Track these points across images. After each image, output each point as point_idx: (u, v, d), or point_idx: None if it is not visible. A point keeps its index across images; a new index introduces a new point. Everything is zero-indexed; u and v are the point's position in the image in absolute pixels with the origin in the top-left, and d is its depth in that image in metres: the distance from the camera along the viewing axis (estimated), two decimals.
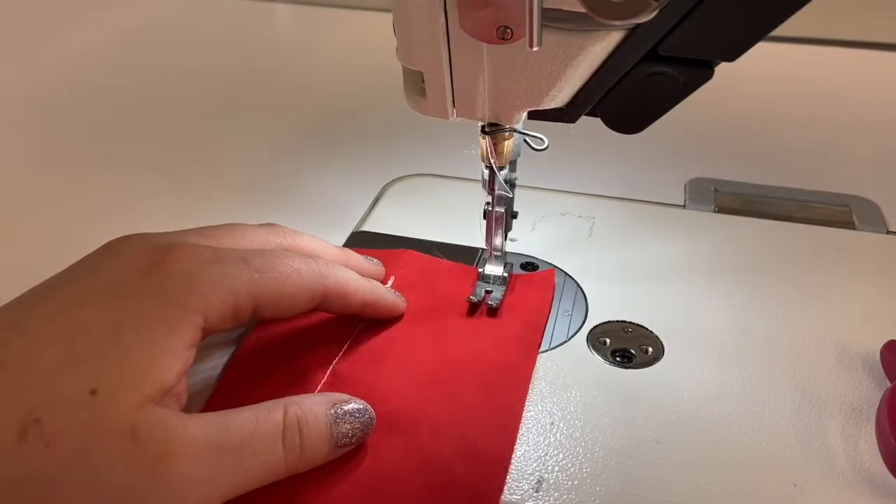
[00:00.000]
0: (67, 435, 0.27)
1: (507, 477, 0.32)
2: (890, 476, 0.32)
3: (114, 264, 0.31)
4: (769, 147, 0.57)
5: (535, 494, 0.32)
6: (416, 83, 0.35)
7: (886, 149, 0.57)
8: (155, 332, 0.29)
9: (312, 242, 0.39)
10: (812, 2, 0.28)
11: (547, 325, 0.40)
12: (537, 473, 0.32)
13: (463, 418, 0.34)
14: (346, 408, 0.32)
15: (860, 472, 0.33)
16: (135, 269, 0.31)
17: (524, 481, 0.32)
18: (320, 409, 0.31)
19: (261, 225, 0.38)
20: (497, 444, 0.33)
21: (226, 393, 0.35)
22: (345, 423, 0.31)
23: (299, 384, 0.35)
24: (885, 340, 0.38)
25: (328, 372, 0.36)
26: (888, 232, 0.47)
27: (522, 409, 0.35)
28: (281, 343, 0.38)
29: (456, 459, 0.32)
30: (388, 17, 0.34)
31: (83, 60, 0.70)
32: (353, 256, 0.40)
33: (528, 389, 0.36)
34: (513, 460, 0.33)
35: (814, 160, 0.55)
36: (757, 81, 0.65)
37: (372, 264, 0.41)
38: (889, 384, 0.36)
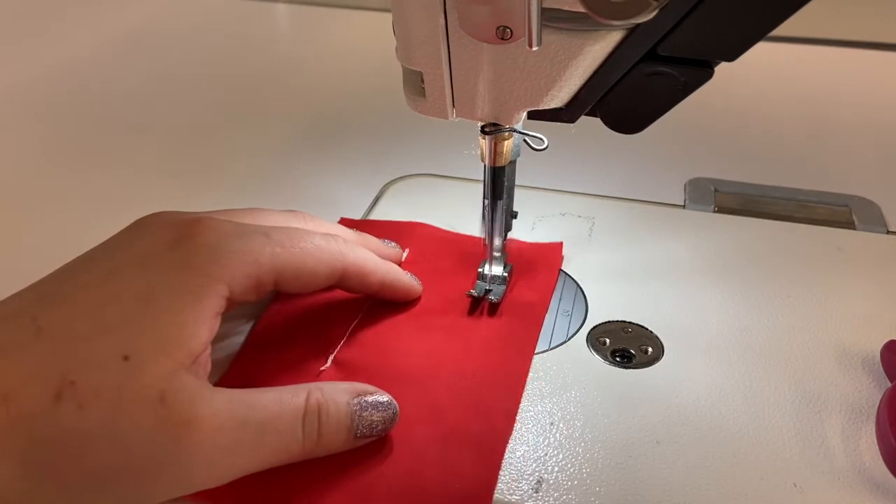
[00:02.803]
0: (100, 398, 0.28)
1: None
2: (890, 476, 0.32)
3: (143, 238, 0.32)
4: (769, 147, 0.57)
5: (535, 495, 0.32)
6: (415, 83, 0.35)
7: (886, 149, 0.57)
8: (183, 301, 0.30)
9: (332, 227, 0.40)
10: (812, 2, 0.28)
11: (551, 305, 0.41)
12: (537, 473, 0.33)
13: (472, 376, 0.36)
14: (369, 399, 0.32)
15: (860, 472, 0.33)
16: (162, 242, 0.32)
17: (524, 481, 0.32)
18: (342, 398, 0.32)
19: (282, 210, 0.39)
20: (504, 398, 0.35)
21: (247, 358, 0.37)
22: (366, 414, 0.32)
23: (319, 346, 0.37)
24: (885, 340, 0.38)
25: (346, 335, 0.38)
26: (888, 232, 0.47)
27: (528, 370, 0.37)
28: (300, 311, 0.39)
29: (464, 410, 0.34)
30: (388, 17, 0.34)
31: (83, 60, 0.70)
32: (371, 240, 0.41)
33: (533, 353, 0.38)
34: (512, 461, 0.33)
35: (814, 160, 0.55)
36: (757, 81, 0.65)
37: (390, 247, 0.42)
38: (889, 384, 0.36)
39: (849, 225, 0.48)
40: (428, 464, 0.32)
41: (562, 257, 0.44)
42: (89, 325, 0.29)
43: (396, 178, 0.53)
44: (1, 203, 0.51)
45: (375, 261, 0.38)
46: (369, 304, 0.40)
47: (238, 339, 0.39)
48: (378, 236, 0.42)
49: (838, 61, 0.70)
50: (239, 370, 0.37)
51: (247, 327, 0.39)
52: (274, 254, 0.33)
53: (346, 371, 0.36)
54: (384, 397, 0.33)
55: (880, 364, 0.37)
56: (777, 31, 0.29)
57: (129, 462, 0.28)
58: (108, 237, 0.34)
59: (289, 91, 0.66)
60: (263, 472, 0.30)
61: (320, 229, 0.38)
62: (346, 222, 0.46)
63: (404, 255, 0.43)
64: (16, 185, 0.53)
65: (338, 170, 0.54)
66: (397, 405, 0.33)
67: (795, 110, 0.62)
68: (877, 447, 0.34)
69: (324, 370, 0.36)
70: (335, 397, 0.32)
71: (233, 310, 0.33)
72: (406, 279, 0.40)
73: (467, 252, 0.43)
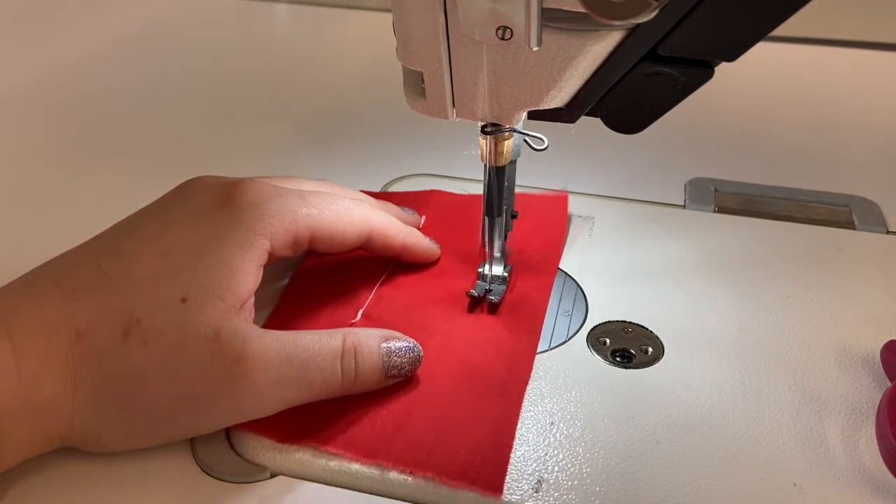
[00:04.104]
0: (163, 336, 0.31)
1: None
2: (890, 476, 0.32)
3: (192, 198, 0.36)
4: (769, 147, 0.57)
5: (535, 494, 0.32)
6: (416, 83, 0.35)
7: (886, 149, 0.57)
8: (231, 253, 0.33)
9: (357, 195, 0.43)
10: (812, 2, 0.28)
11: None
12: (537, 473, 0.33)
13: (491, 327, 0.39)
14: (397, 344, 0.35)
15: (860, 472, 0.33)
16: (210, 201, 0.35)
17: (524, 481, 0.32)
18: (374, 342, 0.35)
19: (311, 179, 0.42)
20: (523, 342, 0.38)
21: (283, 313, 0.40)
22: (395, 356, 0.35)
23: (349, 303, 0.40)
24: (885, 340, 0.38)
25: (372, 293, 0.41)
26: (888, 232, 0.47)
27: (544, 318, 0.40)
28: (328, 273, 0.43)
29: (484, 353, 0.37)
30: (388, 17, 0.34)
31: (83, 61, 0.70)
32: (392, 208, 0.44)
33: (547, 303, 0.41)
34: (512, 460, 0.33)
35: (814, 160, 0.55)
36: (757, 81, 0.65)
37: (409, 214, 0.45)
38: (889, 384, 0.36)
39: (849, 225, 0.48)
40: (454, 400, 0.35)
41: (567, 213, 0.47)
42: (151, 272, 0.32)
43: (396, 178, 0.52)
44: (2, 204, 0.51)
45: (398, 225, 0.41)
46: (392, 265, 0.43)
47: (272, 297, 0.42)
48: (397, 205, 0.45)
49: (838, 61, 0.70)
50: (277, 323, 0.40)
51: (279, 287, 0.42)
52: (309, 214, 0.37)
53: (373, 323, 0.39)
54: (409, 342, 0.36)
55: (880, 364, 0.37)
56: (777, 31, 0.29)
57: (188, 392, 0.31)
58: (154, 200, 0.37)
59: (289, 91, 0.66)
60: (306, 405, 0.34)
61: (347, 196, 0.41)
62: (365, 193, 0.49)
63: (422, 221, 0.46)
64: (17, 185, 0.53)
65: (338, 170, 0.54)
66: (421, 349, 0.36)
67: (795, 110, 0.62)
68: (877, 447, 0.34)
69: (354, 322, 0.39)
70: (368, 341, 0.35)
71: (272, 262, 0.36)
72: (426, 242, 0.43)
73: (481, 213, 0.45)
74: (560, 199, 0.48)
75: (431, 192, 0.49)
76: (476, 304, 0.40)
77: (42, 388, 0.30)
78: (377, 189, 0.51)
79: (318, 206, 0.37)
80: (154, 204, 0.37)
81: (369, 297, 0.41)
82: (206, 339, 0.31)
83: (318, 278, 0.42)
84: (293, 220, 0.36)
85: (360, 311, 0.40)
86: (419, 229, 0.44)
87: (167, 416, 0.32)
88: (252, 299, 0.34)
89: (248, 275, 0.33)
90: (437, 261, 0.43)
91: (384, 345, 0.35)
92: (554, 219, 0.46)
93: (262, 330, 0.33)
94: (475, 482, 0.32)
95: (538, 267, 0.43)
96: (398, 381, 0.36)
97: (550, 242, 0.45)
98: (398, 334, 0.36)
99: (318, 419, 0.34)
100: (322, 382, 0.33)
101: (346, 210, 0.38)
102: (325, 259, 0.43)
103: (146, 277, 0.32)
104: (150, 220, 0.35)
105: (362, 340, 0.35)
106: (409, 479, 0.32)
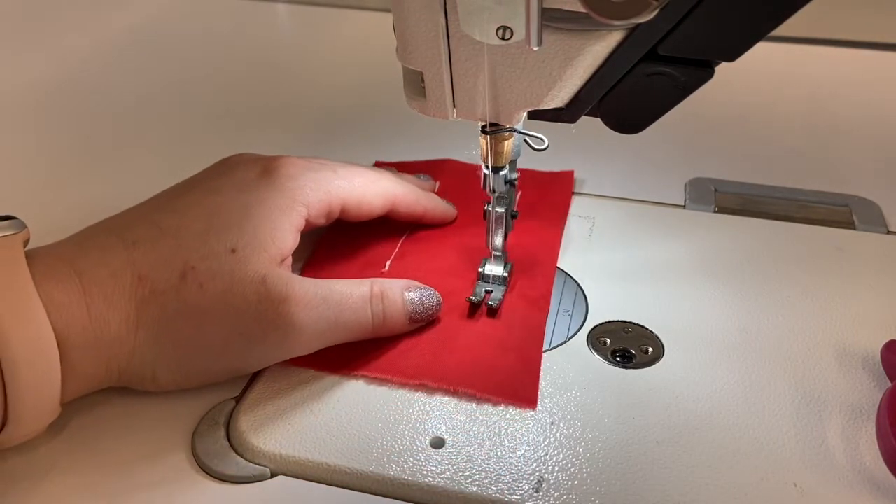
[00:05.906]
0: (216, 280, 0.34)
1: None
2: (890, 476, 0.32)
3: (234, 170, 0.39)
4: (769, 147, 0.57)
5: (535, 494, 0.32)
6: (416, 83, 0.35)
7: (886, 149, 0.57)
8: (273, 214, 0.37)
9: (378, 171, 0.46)
10: (812, 2, 0.28)
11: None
12: (537, 473, 0.33)
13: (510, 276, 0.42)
14: (418, 291, 0.39)
15: (860, 472, 0.33)
16: (252, 172, 0.39)
17: (524, 481, 0.32)
18: (397, 289, 0.38)
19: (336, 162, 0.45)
20: (538, 286, 0.42)
21: (313, 270, 0.43)
22: (417, 302, 0.39)
23: (374, 260, 0.44)
24: (885, 340, 0.38)
25: (395, 250, 0.44)
26: (888, 232, 0.47)
27: (556, 261, 0.44)
28: (353, 238, 0.45)
29: (506, 301, 0.41)
30: (388, 17, 0.34)
31: (81, 60, 0.70)
32: (408, 178, 0.48)
33: (559, 250, 0.45)
34: (512, 460, 0.33)
35: (814, 160, 0.55)
36: (757, 81, 0.65)
37: (424, 181, 0.49)
38: (889, 384, 0.36)
39: (849, 225, 0.48)
40: (481, 334, 0.39)
41: (573, 187, 0.50)
42: (202, 227, 0.35)
43: None
44: (2, 206, 0.51)
45: (418, 192, 0.45)
46: (411, 227, 0.46)
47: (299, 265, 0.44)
48: (412, 172, 0.49)
49: (838, 61, 0.70)
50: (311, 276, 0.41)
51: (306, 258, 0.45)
52: (341, 186, 0.41)
53: (398, 276, 0.41)
54: (429, 290, 0.39)
55: (880, 364, 0.37)
56: (777, 31, 0.29)
57: (238, 331, 0.34)
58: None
59: (289, 92, 0.66)
60: (348, 345, 0.37)
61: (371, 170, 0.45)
62: (381, 164, 0.52)
63: (436, 186, 0.49)
64: (17, 184, 0.53)
65: None
66: (440, 297, 0.40)
67: (795, 110, 0.62)
68: (877, 447, 0.34)
69: (383, 272, 0.43)
70: (392, 288, 0.38)
71: (307, 231, 0.39)
72: (444, 205, 0.47)
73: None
74: (566, 176, 0.50)
75: (445, 160, 0.52)
76: (475, 309, 0.40)
77: (108, 325, 0.33)
78: None
79: (349, 179, 0.41)
80: (197, 175, 0.40)
81: (394, 252, 0.44)
82: (254, 282, 0.34)
83: (344, 240, 0.45)
84: (327, 191, 0.40)
85: (388, 263, 0.43)
86: (436, 193, 0.48)
87: (218, 353, 0.35)
88: (290, 259, 0.37)
89: (288, 234, 0.37)
90: (453, 220, 0.47)
91: (407, 292, 0.38)
92: (560, 194, 0.49)
93: (301, 277, 0.36)
94: (511, 397, 0.36)
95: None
96: (421, 325, 0.39)
97: (554, 218, 0.47)
98: (419, 284, 0.39)
99: (359, 354, 0.38)
100: (355, 323, 0.37)
101: (373, 181, 0.43)
102: (349, 224, 0.45)
103: (198, 231, 0.35)
104: (196, 187, 0.38)
105: (387, 287, 0.38)
106: (453, 399, 0.36)
